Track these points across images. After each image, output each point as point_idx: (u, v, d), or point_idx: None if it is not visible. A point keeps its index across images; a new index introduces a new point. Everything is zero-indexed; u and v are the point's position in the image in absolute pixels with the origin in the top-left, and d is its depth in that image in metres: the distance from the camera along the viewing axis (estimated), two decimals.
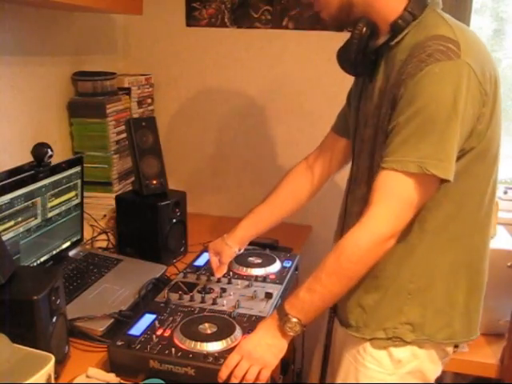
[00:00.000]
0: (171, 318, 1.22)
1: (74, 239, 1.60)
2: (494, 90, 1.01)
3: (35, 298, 0.99)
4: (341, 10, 1.09)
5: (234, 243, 1.38)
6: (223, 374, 1.05)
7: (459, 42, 0.95)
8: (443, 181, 0.98)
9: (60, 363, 1.07)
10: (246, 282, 1.41)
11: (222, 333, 1.16)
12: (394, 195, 0.99)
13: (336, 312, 1.23)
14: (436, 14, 1.03)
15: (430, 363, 1.14)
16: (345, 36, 1.12)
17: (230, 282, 1.42)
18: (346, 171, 1.29)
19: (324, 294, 1.06)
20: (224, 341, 1.13)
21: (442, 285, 1.09)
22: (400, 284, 1.09)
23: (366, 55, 1.08)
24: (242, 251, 1.42)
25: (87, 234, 1.68)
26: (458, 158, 1.00)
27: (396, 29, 1.03)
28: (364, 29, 1.06)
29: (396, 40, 1.04)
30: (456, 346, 1.16)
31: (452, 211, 1.06)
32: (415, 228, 1.05)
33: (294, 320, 1.07)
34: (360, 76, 1.17)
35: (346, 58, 1.11)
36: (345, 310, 1.17)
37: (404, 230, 1.03)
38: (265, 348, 1.08)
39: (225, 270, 1.41)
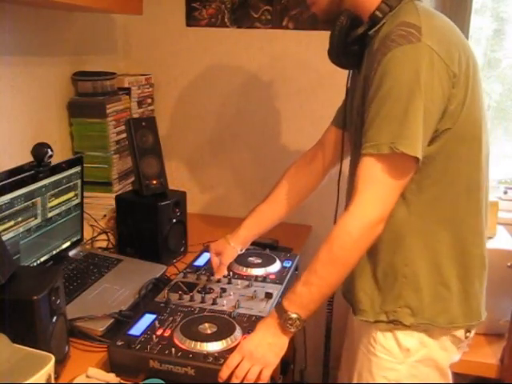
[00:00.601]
0: (171, 318, 1.22)
1: (74, 239, 1.60)
2: (466, 72, 1.03)
3: (35, 297, 0.99)
4: (331, 3, 1.15)
5: (237, 243, 1.40)
6: (224, 374, 1.05)
7: (421, 26, 0.99)
8: (418, 160, 1.00)
9: (60, 363, 1.07)
10: (246, 282, 1.41)
11: (222, 333, 1.16)
12: (376, 180, 1.02)
13: (346, 297, 1.26)
14: (412, 5, 1.06)
15: (442, 350, 1.15)
16: None
17: (230, 282, 1.42)
18: (345, 171, 1.29)
19: (321, 285, 1.07)
20: (224, 341, 1.13)
21: (434, 267, 1.11)
22: (396, 268, 1.12)
23: (348, 45, 1.13)
24: (243, 251, 1.43)
25: (87, 234, 1.68)
26: (434, 139, 1.03)
27: (374, 20, 1.08)
28: (344, 21, 1.12)
29: (373, 30, 1.08)
30: (468, 331, 1.17)
31: (437, 194, 1.08)
32: (403, 211, 1.08)
33: (294, 316, 1.07)
34: (348, 68, 1.22)
35: (331, 50, 1.16)
36: (352, 297, 1.20)
37: (393, 214, 1.05)
38: (266, 347, 1.08)
39: (225, 271, 1.42)
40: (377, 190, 1.03)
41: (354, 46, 1.13)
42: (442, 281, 1.11)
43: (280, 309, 1.10)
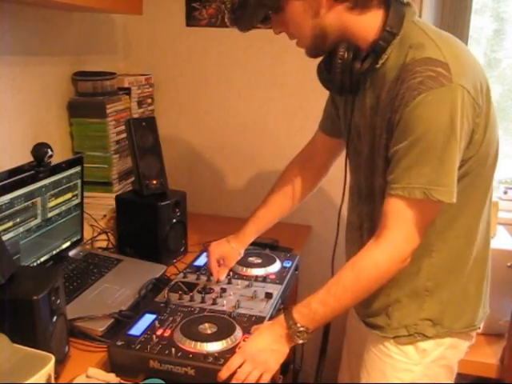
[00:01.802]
0: (171, 318, 1.22)
1: (74, 239, 1.60)
2: (485, 99, 1.02)
3: (35, 298, 0.99)
4: (315, 38, 1.07)
5: (239, 246, 1.41)
6: (224, 375, 1.05)
7: (448, 63, 0.95)
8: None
9: (60, 363, 1.07)
10: (246, 282, 1.41)
11: (222, 333, 1.16)
12: (406, 220, 1.02)
13: (358, 313, 1.25)
14: (416, 28, 1.02)
15: (453, 349, 1.17)
16: None
17: (230, 282, 1.42)
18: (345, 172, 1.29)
19: (336, 307, 1.08)
20: (224, 341, 1.13)
21: (457, 280, 1.12)
22: (418, 283, 1.12)
23: (353, 79, 1.07)
24: (243, 254, 1.45)
25: (87, 234, 1.68)
26: (460, 167, 1.02)
27: (378, 50, 1.03)
28: (346, 54, 1.05)
29: (381, 62, 1.04)
30: (478, 328, 1.19)
31: (457, 211, 1.08)
32: (429, 232, 1.07)
33: (303, 329, 1.08)
34: (344, 95, 1.17)
35: (331, 82, 1.11)
36: (369, 314, 1.20)
37: None
38: (269, 353, 1.09)
39: (226, 273, 1.42)
40: (408, 229, 1.02)
41: (359, 78, 1.07)
42: (462, 291, 1.13)
43: (290, 319, 1.09)
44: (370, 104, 1.09)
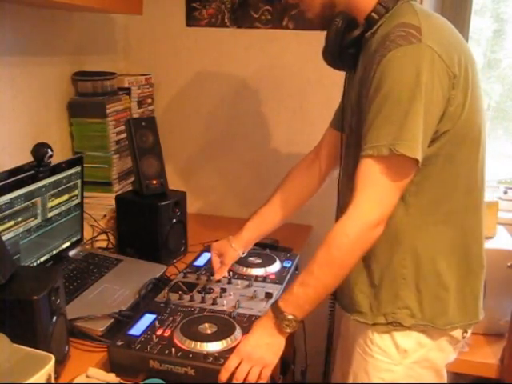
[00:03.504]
0: (171, 318, 1.22)
1: (74, 239, 1.60)
2: (465, 74, 1.02)
3: (35, 298, 0.99)
4: (324, 8, 1.14)
5: (239, 246, 1.40)
6: (223, 377, 1.05)
7: (421, 27, 0.99)
8: (418, 162, 1.00)
9: (60, 363, 1.07)
10: (246, 282, 1.41)
11: (222, 333, 1.16)
12: (375, 181, 1.02)
13: (338, 299, 1.25)
14: (408, 5, 1.06)
15: (438, 351, 1.15)
16: None
17: (229, 282, 1.42)
18: None
19: (317, 286, 1.07)
20: (224, 341, 1.13)
21: (433, 268, 1.10)
22: (394, 269, 1.11)
23: (344, 48, 1.13)
24: (245, 254, 1.44)
25: (87, 234, 1.68)
26: (433, 141, 1.03)
27: (370, 21, 1.08)
28: (340, 23, 1.11)
29: (371, 31, 1.08)
30: (465, 331, 1.17)
31: (436, 195, 1.08)
32: (401, 212, 1.08)
33: (290, 317, 1.08)
34: (343, 69, 1.22)
35: (326, 52, 1.17)
36: (348, 296, 1.19)
37: (391, 215, 1.05)
38: (264, 348, 1.09)
39: (225, 272, 1.42)
40: (376, 191, 1.02)
41: (350, 49, 1.13)
42: (441, 282, 1.11)
43: (276, 309, 1.10)
44: (359, 76, 1.11)
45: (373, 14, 1.07)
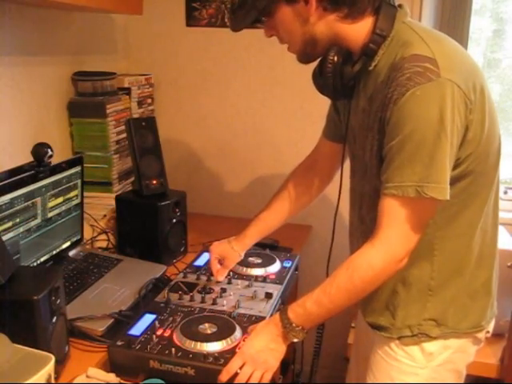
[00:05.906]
0: (171, 318, 1.22)
1: (74, 239, 1.60)
2: (479, 97, 1.00)
3: (35, 298, 0.99)
4: (305, 44, 1.08)
5: (240, 249, 1.41)
6: (224, 378, 1.05)
7: (436, 58, 0.94)
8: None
9: (60, 363, 1.07)
10: (246, 282, 1.41)
11: (222, 333, 1.16)
12: (401, 219, 1.00)
13: (363, 314, 1.24)
14: (406, 28, 1.02)
15: (461, 353, 1.16)
16: None
17: (230, 282, 1.42)
18: (345, 171, 1.29)
19: (330, 308, 1.07)
20: (224, 341, 1.13)
21: (461, 278, 1.11)
22: (421, 282, 1.11)
23: (344, 82, 1.08)
24: (243, 256, 1.45)
25: (87, 233, 1.68)
26: (457, 166, 1.01)
27: (369, 53, 1.03)
28: (335, 58, 1.06)
29: (374, 64, 1.04)
30: (488, 331, 1.18)
31: (459, 208, 1.07)
32: (429, 229, 1.07)
33: (298, 328, 1.08)
34: (340, 99, 1.19)
35: (324, 86, 1.12)
36: (373, 313, 1.18)
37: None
38: (267, 353, 1.09)
39: (226, 274, 1.42)
40: (403, 228, 1.01)
41: (350, 82, 1.09)
42: (467, 289, 1.12)
43: (285, 319, 1.09)
44: (363, 106, 1.09)
45: (371, 46, 1.02)
